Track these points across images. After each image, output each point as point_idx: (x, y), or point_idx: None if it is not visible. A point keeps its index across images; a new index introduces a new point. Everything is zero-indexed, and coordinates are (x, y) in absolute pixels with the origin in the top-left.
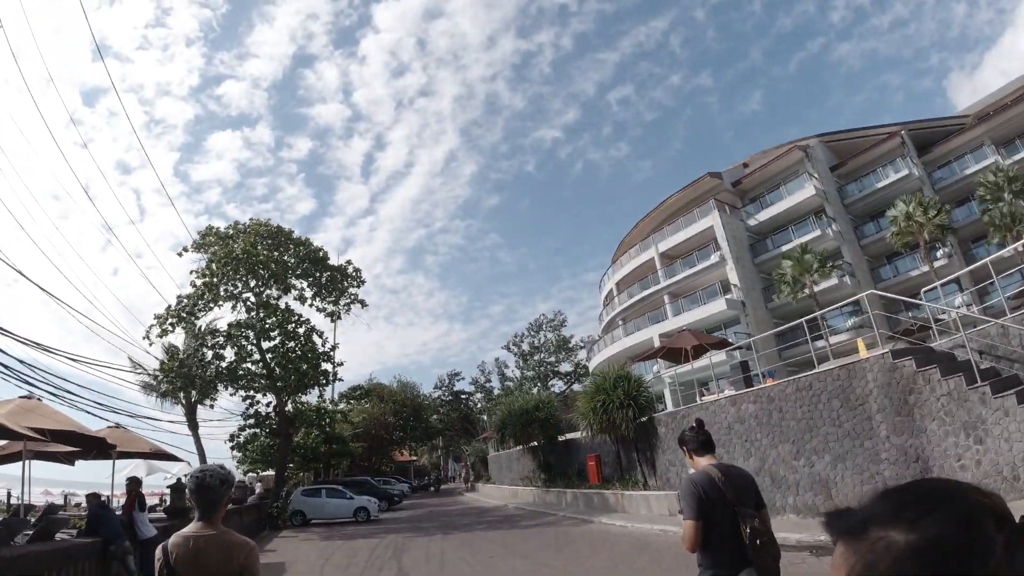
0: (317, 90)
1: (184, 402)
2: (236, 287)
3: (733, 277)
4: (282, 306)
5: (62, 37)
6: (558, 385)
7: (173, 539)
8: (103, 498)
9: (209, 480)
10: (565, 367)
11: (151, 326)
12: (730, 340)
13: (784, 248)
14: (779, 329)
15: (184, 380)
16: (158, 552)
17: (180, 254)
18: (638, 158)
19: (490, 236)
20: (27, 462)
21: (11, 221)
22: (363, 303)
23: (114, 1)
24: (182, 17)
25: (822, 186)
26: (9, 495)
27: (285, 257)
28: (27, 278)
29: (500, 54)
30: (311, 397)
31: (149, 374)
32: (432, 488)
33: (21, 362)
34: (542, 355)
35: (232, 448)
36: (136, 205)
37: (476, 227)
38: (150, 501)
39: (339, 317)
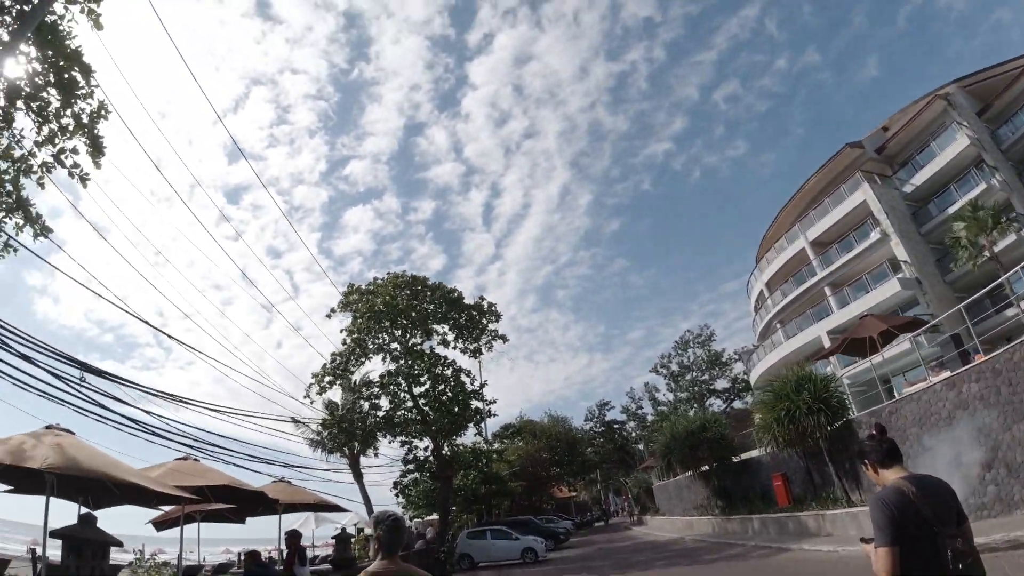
0: (431, 153)
1: (347, 453)
2: (383, 339)
3: (901, 253)
4: (427, 351)
5: (197, 147)
6: (716, 404)
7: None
8: (265, 555)
9: (401, 522)
10: (721, 384)
11: (310, 385)
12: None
13: (950, 211)
14: (970, 300)
15: (346, 433)
16: None
17: (329, 316)
18: (758, 153)
19: (617, 262)
20: (198, 524)
21: (180, 311)
22: (504, 338)
23: (238, 109)
24: (301, 112)
25: (974, 133)
26: (180, 558)
27: (424, 304)
28: (201, 355)
29: (594, 81)
30: (467, 439)
31: (313, 430)
32: (602, 522)
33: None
34: (694, 374)
35: (396, 494)
36: (290, 283)
37: (601, 255)
38: (321, 552)
39: (481, 353)
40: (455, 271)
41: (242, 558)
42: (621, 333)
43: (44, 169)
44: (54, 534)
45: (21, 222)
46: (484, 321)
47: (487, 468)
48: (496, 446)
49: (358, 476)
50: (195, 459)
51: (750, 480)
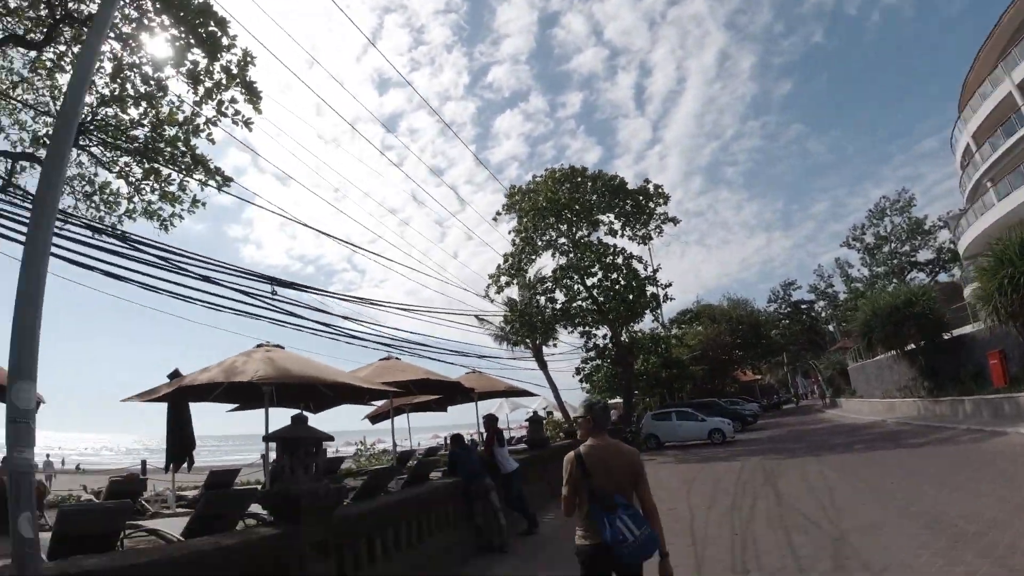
0: (570, 43)
1: (530, 345)
2: (550, 235)
3: None
4: (595, 241)
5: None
6: (918, 278)
7: (582, 449)
8: (468, 438)
9: (608, 406)
10: (924, 255)
11: (488, 286)
12: None
13: None
14: None
15: (526, 327)
16: (570, 457)
17: (495, 219)
18: None
19: (791, 128)
20: (407, 415)
21: (371, 233)
22: (674, 220)
23: (376, 40)
24: (434, 30)
25: None
26: (395, 445)
27: (586, 196)
28: (393, 261)
29: None
30: (644, 325)
31: (496, 326)
32: (791, 404)
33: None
34: (892, 245)
35: (580, 380)
36: (456, 198)
37: (773, 123)
38: (516, 434)
39: (651, 239)
40: (612, 162)
41: (447, 441)
42: (802, 208)
43: (210, 124)
44: (267, 438)
45: (203, 178)
46: (651, 205)
47: (666, 353)
48: (674, 331)
49: (542, 365)
50: (396, 358)
51: (961, 359)
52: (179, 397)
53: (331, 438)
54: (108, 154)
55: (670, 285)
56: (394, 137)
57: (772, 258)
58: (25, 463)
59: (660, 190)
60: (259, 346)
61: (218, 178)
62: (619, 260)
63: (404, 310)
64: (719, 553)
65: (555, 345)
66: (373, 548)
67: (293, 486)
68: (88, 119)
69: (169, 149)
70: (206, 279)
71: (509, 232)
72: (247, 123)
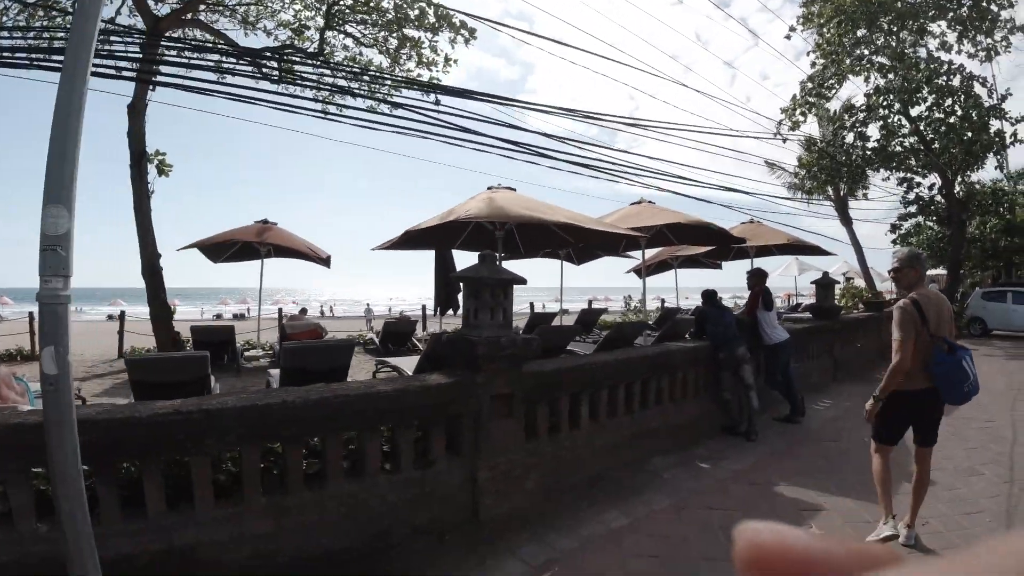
0: None
1: (832, 196)
2: (860, 51)
3: None
4: (923, 56)
5: None
6: None
7: (917, 296)
8: (731, 300)
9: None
10: None
11: (779, 122)
12: None
13: None
14: None
15: (827, 171)
16: (907, 305)
17: (788, 36)
18: None
19: None
20: (675, 271)
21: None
22: None
23: None
24: None
25: None
26: (663, 302)
27: None
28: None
29: None
30: (985, 174)
31: (789, 172)
32: None
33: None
34: None
35: (893, 241)
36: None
37: None
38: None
39: (997, 53)
40: None
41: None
42: None
43: None
44: (452, 278)
45: (451, 35)
46: (993, 7)
47: (1009, 215)
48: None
49: (846, 220)
50: (649, 202)
51: None
52: (438, 245)
53: (522, 280)
54: (364, 32)
55: (1022, 120)
56: None
57: None
58: (52, 294)
59: None
60: (489, 188)
61: (464, 32)
62: (955, 81)
63: (671, 131)
64: None
65: (864, 196)
66: (577, 411)
67: (473, 331)
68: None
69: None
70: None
71: (808, 54)
72: None
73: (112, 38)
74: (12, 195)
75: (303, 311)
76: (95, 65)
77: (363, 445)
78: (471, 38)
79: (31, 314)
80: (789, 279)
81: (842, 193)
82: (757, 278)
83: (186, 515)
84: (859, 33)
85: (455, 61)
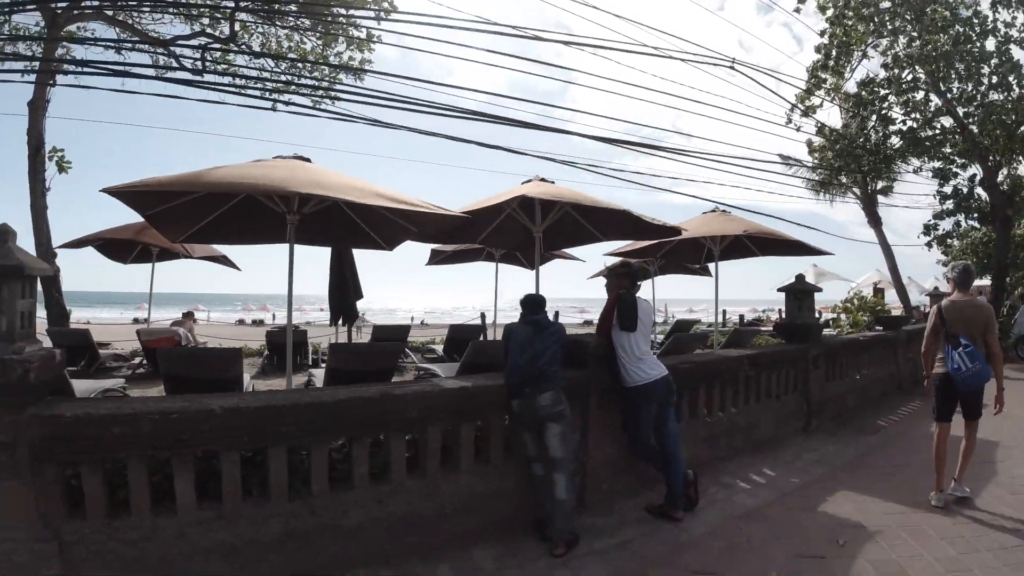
0: None
1: (859, 193)
2: (870, 9)
3: None
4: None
5: None
6: None
7: (944, 303)
8: (556, 312)
9: (971, 267)
10: None
11: (792, 107)
12: None
13: None
14: None
15: (843, 157)
16: (935, 308)
17: (798, 9)
18: None
19: None
20: (652, 279)
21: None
22: None
23: None
24: None
25: None
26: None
27: None
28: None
29: None
30: None
31: (807, 166)
32: None
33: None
34: None
35: (928, 244)
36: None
37: None
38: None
39: None
40: None
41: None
42: None
43: None
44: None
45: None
46: None
47: None
48: None
49: (875, 221)
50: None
51: None
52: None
53: (819, 290)
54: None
55: None
56: None
57: None
58: None
59: None
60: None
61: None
62: (989, 44)
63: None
64: None
65: (890, 191)
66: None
67: (802, 320)
68: None
69: None
70: None
71: (821, 31)
72: None
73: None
74: None
75: (187, 314)
76: None
77: None
78: (392, 9)
79: None
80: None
81: (869, 189)
82: (617, 276)
83: None
84: None
85: (378, 37)
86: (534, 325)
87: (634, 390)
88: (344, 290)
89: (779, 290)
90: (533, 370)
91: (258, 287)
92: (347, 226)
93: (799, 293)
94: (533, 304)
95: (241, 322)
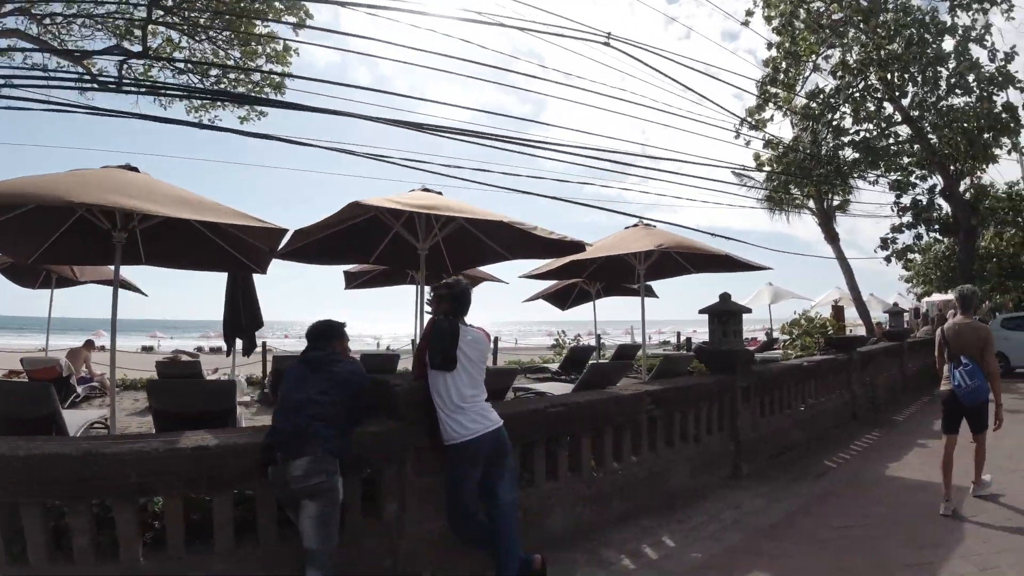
0: None
1: (815, 209)
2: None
3: None
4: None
5: None
6: None
7: (945, 326)
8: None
9: (974, 291)
10: None
11: (741, 120)
12: None
13: None
14: None
15: (790, 170)
16: (940, 330)
17: (746, 22)
18: None
19: None
20: (593, 302)
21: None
22: None
23: None
24: None
25: None
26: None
27: None
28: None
29: None
30: (999, 171)
31: (759, 183)
32: None
33: None
34: None
35: (887, 258)
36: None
37: None
38: None
39: (995, 3)
40: None
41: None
42: None
43: None
44: (703, 311)
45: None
46: None
47: None
48: None
49: (831, 237)
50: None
51: None
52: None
53: (748, 310)
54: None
55: None
56: None
57: None
58: None
59: None
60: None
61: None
62: (946, 43)
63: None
64: None
65: (847, 206)
66: (774, 401)
67: (727, 347)
68: None
69: None
70: None
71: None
72: None
73: None
74: None
75: (88, 343)
76: None
77: None
78: (308, 16)
79: None
80: (762, 309)
81: (825, 204)
82: (438, 299)
83: None
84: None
85: (296, 51)
86: (310, 364)
87: (451, 448)
88: (236, 317)
89: (701, 311)
90: (289, 426)
91: (183, 313)
92: (204, 246)
93: (723, 315)
94: (316, 334)
95: (146, 349)
